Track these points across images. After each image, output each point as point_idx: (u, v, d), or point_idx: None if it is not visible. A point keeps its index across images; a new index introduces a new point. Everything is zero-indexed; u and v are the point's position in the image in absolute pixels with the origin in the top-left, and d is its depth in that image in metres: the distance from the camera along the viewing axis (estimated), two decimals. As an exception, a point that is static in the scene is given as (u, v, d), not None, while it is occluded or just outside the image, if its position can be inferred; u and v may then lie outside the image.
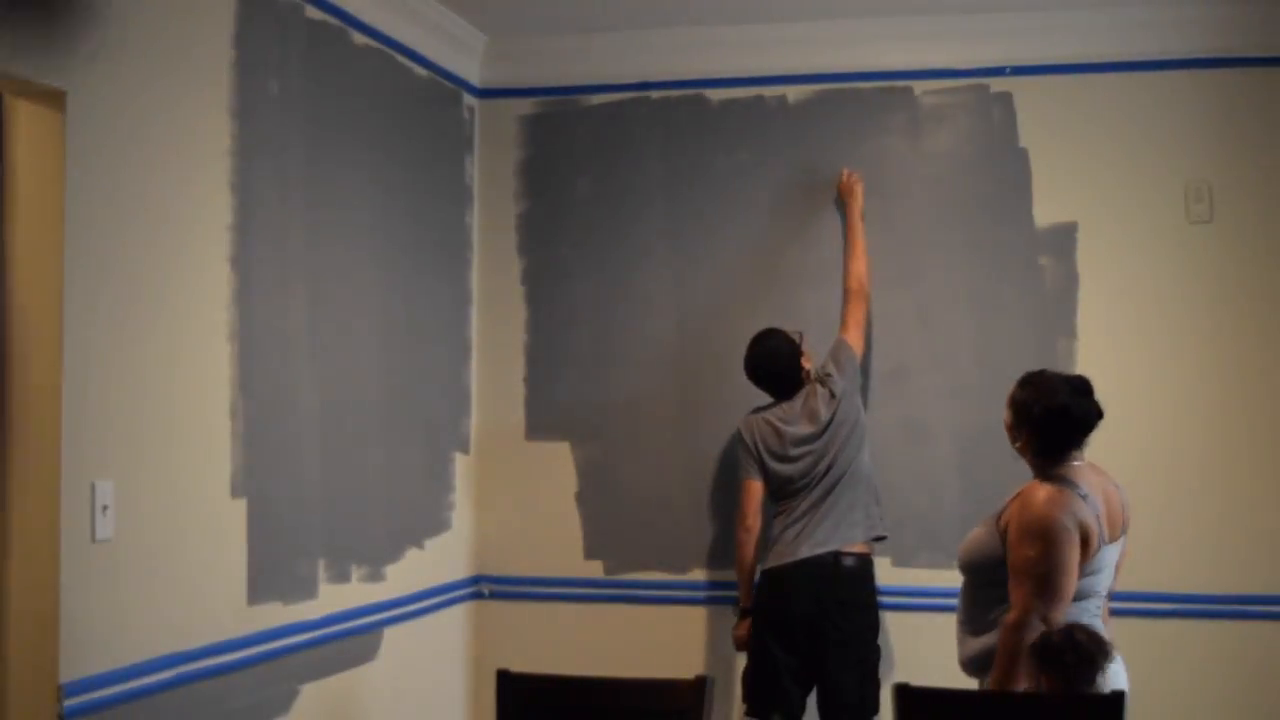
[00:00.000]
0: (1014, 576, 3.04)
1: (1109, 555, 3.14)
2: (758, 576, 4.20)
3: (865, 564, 4.11)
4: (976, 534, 3.26)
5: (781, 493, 4.17)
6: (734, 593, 4.39)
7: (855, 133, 4.53)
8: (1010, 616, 3.01)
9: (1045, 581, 2.99)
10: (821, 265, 4.52)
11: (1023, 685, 2.95)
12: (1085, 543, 3.04)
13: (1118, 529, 3.17)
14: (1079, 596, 3.08)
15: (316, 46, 3.71)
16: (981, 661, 3.15)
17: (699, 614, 4.54)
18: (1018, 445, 3.26)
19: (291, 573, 3.56)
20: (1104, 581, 3.16)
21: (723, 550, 4.53)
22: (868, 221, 4.50)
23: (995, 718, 2.87)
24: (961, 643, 3.24)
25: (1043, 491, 3.09)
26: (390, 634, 4.06)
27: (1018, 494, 3.18)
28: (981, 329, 4.43)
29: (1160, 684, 4.19)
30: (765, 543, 4.20)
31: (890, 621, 4.35)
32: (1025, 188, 4.42)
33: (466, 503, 4.64)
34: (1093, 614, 3.14)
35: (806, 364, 4.26)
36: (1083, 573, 3.06)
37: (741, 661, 4.32)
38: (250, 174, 3.37)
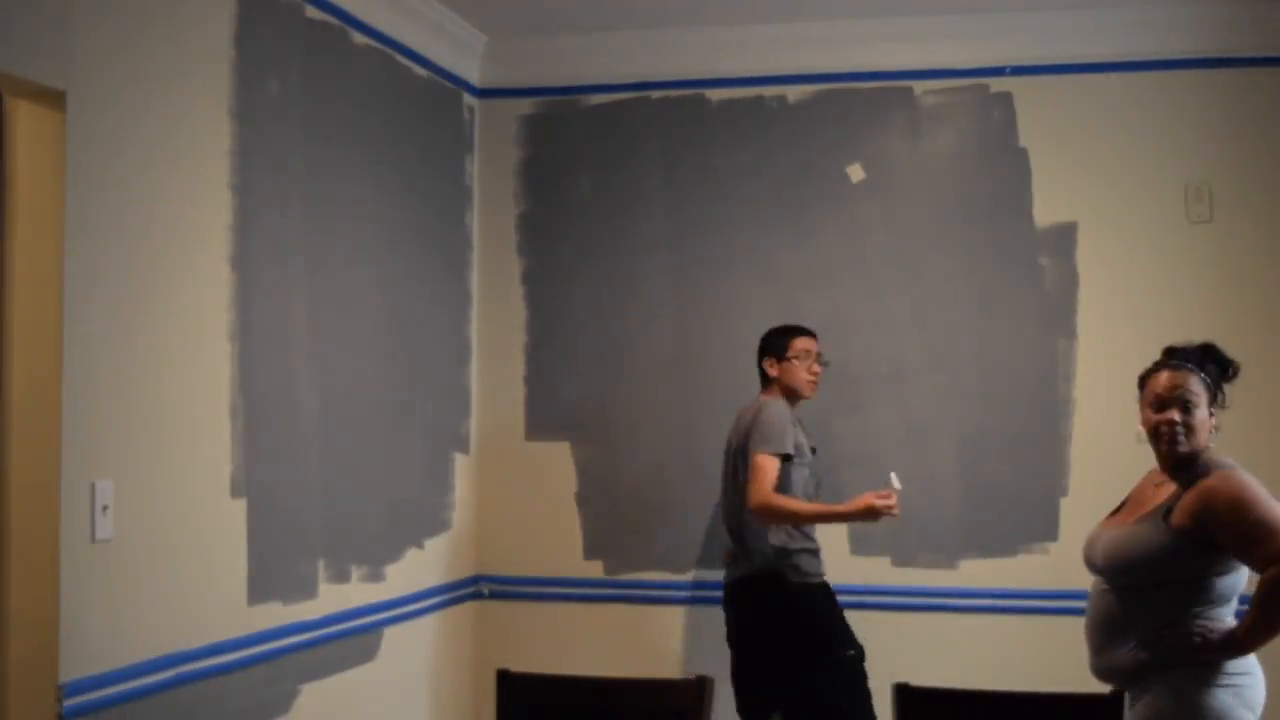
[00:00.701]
0: (1251, 544, 2.84)
1: None
2: (798, 581, 3.96)
3: None
4: (1129, 531, 2.99)
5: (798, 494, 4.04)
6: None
7: (855, 133, 4.54)
8: (1270, 572, 2.80)
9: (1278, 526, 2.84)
10: (821, 265, 4.53)
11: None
12: None
13: None
14: (1221, 599, 2.93)
15: (316, 46, 3.71)
16: (1130, 675, 2.94)
17: (699, 614, 4.54)
18: (1211, 425, 3.01)
19: (291, 573, 3.56)
20: (1242, 581, 2.97)
21: (722, 550, 4.53)
22: (869, 223, 4.51)
23: (995, 718, 2.87)
24: (1100, 651, 3.01)
25: (1220, 474, 2.93)
26: (390, 634, 4.06)
27: (1186, 489, 2.95)
28: (981, 329, 4.43)
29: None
30: (784, 544, 3.97)
31: (891, 621, 4.35)
32: (1025, 188, 4.42)
33: (466, 503, 4.64)
34: (1232, 619, 2.98)
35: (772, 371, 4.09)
36: (1223, 570, 2.92)
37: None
38: (250, 174, 3.37)
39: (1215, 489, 2.91)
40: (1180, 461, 3.01)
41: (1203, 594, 2.92)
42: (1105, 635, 3.00)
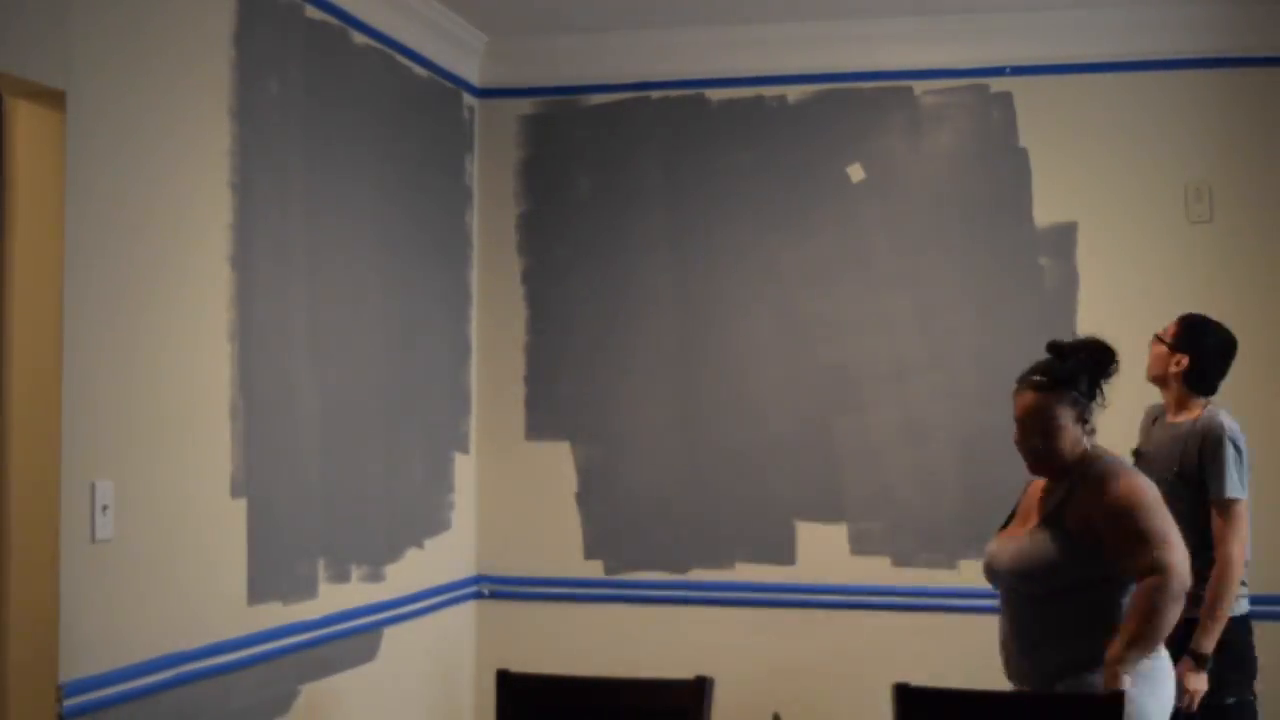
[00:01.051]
0: (1132, 549, 2.85)
1: None
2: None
3: None
4: (1028, 540, 2.99)
5: None
6: (731, 593, 4.41)
7: (855, 133, 4.54)
8: (1149, 581, 2.82)
9: (1165, 536, 2.85)
10: (821, 265, 4.53)
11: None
12: None
13: None
14: None
15: (316, 46, 3.71)
16: (1051, 676, 2.94)
17: (699, 614, 4.54)
18: (1082, 431, 3.00)
19: (291, 573, 3.56)
20: None
21: (723, 550, 4.54)
22: (869, 223, 4.51)
23: (995, 717, 2.87)
24: (1018, 659, 3.01)
25: (1131, 477, 2.95)
26: (390, 634, 4.06)
27: (1075, 490, 2.96)
28: (981, 329, 4.43)
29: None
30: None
31: (890, 621, 4.35)
32: (1025, 188, 4.42)
33: (466, 503, 4.64)
34: None
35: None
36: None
37: (740, 658, 4.33)
38: (250, 174, 3.37)
39: (1105, 489, 2.91)
40: (1050, 474, 3.03)
41: (1118, 594, 2.92)
42: (1014, 645, 3.02)
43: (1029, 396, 3.01)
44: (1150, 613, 2.83)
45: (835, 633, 4.44)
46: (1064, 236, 4.39)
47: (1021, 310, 4.41)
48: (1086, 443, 3.01)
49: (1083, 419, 3.00)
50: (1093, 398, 3.03)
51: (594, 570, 4.64)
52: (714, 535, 4.55)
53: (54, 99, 2.73)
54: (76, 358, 2.75)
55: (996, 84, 4.46)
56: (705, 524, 4.56)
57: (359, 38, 3.96)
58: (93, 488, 2.79)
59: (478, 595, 4.69)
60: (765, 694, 4.40)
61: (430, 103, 4.44)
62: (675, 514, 4.59)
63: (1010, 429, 4.49)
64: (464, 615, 4.63)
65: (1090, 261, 4.38)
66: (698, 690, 2.82)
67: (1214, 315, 4.28)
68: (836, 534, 4.45)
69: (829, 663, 4.43)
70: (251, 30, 3.38)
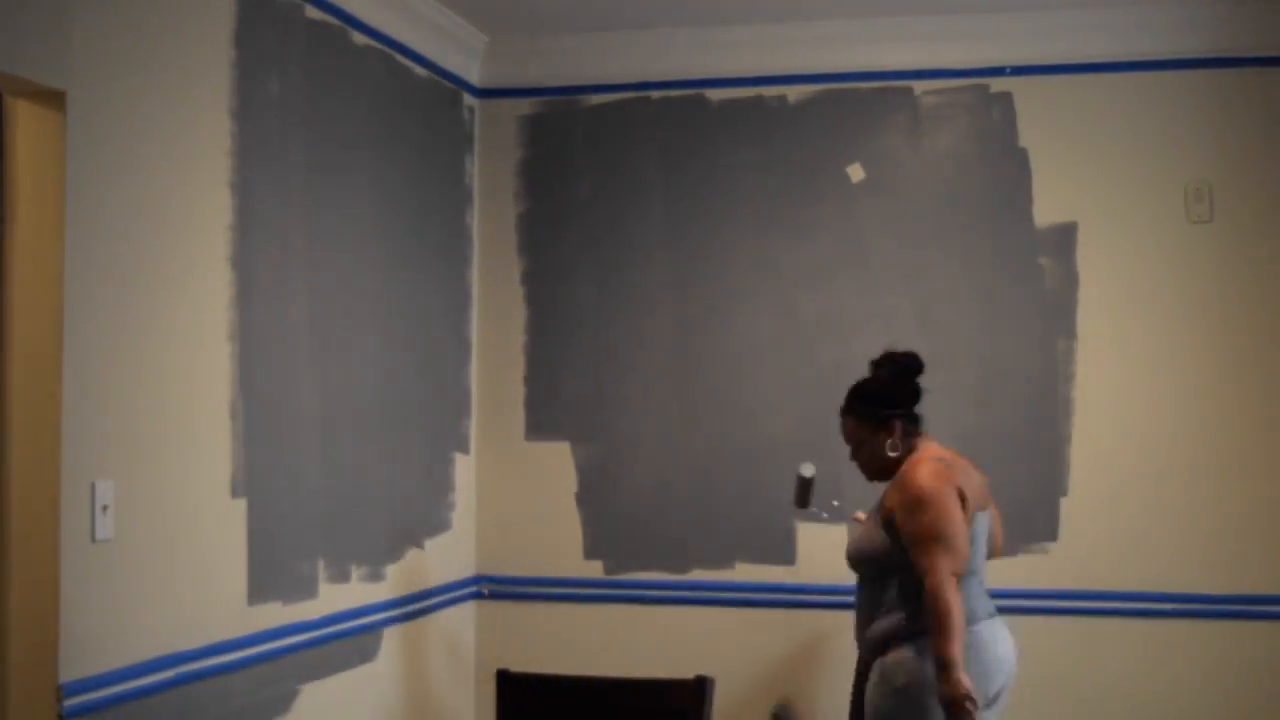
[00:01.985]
0: (917, 546, 3.14)
1: (980, 524, 3.33)
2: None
3: None
4: (864, 530, 3.39)
5: None
6: (731, 593, 4.40)
7: (855, 133, 4.54)
8: (928, 584, 3.08)
9: (946, 542, 3.13)
10: (821, 266, 4.53)
11: (959, 647, 3.04)
12: (963, 503, 3.23)
13: (983, 501, 3.38)
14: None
15: (316, 46, 3.71)
16: (880, 644, 3.25)
17: (699, 614, 4.54)
18: (888, 440, 3.38)
19: (291, 573, 3.56)
20: (979, 556, 3.31)
21: (723, 550, 4.54)
22: (869, 223, 4.51)
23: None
24: (860, 631, 3.35)
25: (921, 468, 3.26)
26: (390, 634, 4.06)
27: (892, 483, 3.32)
28: (981, 329, 4.43)
29: (1160, 684, 4.19)
30: None
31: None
32: (1025, 188, 4.42)
33: (466, 503, 4.64)
34: (976, 594, 3.26)
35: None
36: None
37: (740, 658, 4.33)
38: (250, 174, 3.37)
39: (905, 482, 3.24)
40: (881, 479, 3.43)
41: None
42: (857, 620, 3.36)
43: (841, 421, 3.48)
44: (934, 613, 3.06)
45: (835, 633, 4.44)
46: (1064, 236, 4.39)
47: (1021, 310, 4.41)
48: (901, 447, 3.38)
49: (885, 430, 3.40)
50: (901, 406, 3.43)
51: (594, 570, 4.64)
52: (714, 535, 4.55)
53: (54, 99, 2.73)
54: (76, 358, 2.75)
55: (996, 84, 4.46)
56: (705, 524, 4.56)
57: (359, 38, 3.96)
58: (93, 488, 2.79)
59: (478, 595, 4.69)
60: (765, 694, 4.41)
61: (430, 103, 4.44)
62: (675, 514, 4.59)
63: (1007, 429, 4.52)
64: (464, 615, 4.63)
65: (1090, 261, 4.38)
66: (698, 690, 2.83)
67: (1214, 315, 4.30)
68: (837, 533, 4.45)
69: (829, 663, 4.43)
70: (251, 30, 3.38)
